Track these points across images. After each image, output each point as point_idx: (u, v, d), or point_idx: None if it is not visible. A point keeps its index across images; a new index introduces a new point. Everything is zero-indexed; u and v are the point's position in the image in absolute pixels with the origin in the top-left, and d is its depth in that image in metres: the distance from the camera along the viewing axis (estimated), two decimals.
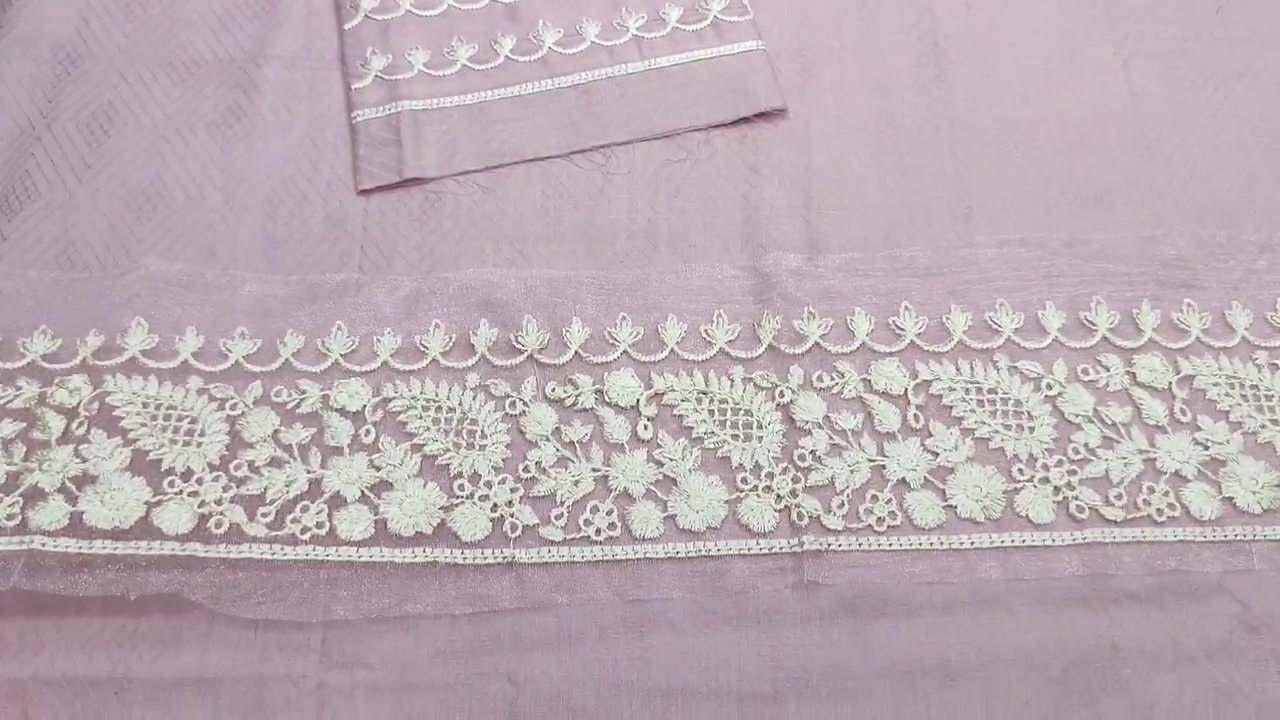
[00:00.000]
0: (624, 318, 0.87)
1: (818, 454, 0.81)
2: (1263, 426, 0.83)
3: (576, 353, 0.86)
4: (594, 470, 0.81)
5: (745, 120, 1.00)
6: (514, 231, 0.95)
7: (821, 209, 0.96)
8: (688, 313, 0.88)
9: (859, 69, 1.03)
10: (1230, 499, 0.80)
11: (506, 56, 1.02)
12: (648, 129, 0.99)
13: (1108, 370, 0.86)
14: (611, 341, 0.86)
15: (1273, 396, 0.84)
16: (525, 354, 0.86)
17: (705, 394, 0.84)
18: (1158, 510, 0.80)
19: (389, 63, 1.01)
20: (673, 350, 0.86)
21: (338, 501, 0.79)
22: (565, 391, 0.84)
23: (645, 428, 0.82)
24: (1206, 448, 0.82)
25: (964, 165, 0.98)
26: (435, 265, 0.93)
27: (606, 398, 0.84)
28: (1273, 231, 0.93)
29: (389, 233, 0.95)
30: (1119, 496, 0.80)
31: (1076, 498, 0.80)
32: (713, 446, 0.82)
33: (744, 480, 0.80)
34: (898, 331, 0.87)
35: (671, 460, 0.81)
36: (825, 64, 1.04)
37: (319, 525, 0.78)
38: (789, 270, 0.89)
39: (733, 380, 0.84)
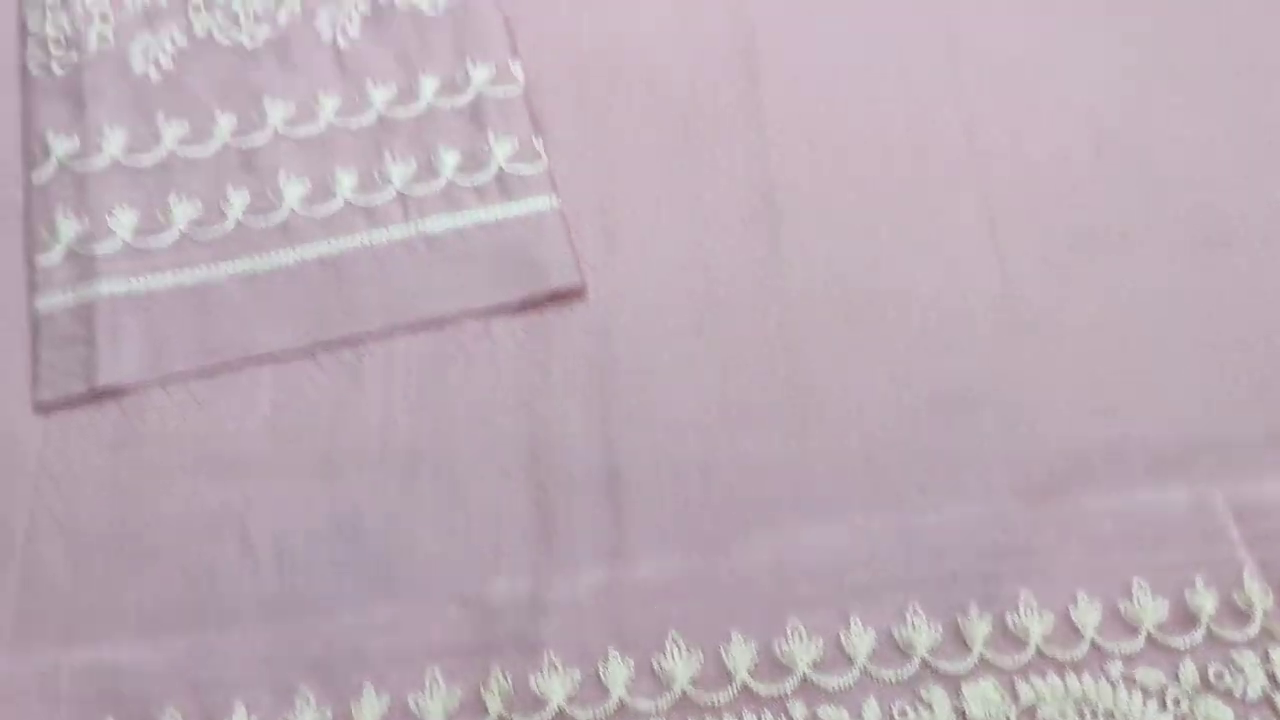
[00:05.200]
0: (305, 697, 0.70)
1: None
2: None
3: None
4: None
5: (533, 304, 0.83)
6: (234, 459, 0.79)
7: (624, 424, 0.81)
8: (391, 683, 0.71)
9: (675, 230, 0.88)
10: None
11: (238, 221, 0.84)
12: (411, 315, 0.83)
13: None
14: None
15: None
16: None
17: None
18: None
19: (84, 229, 0.83)
20: None
21: None
22: None
23: None
24: None
25: (800, 362, 0.84)
26: (129, 511, 0.74)
27: None
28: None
29: (73, 464, 0.78)
30: None
31: None
32: None
33: None
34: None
35: None
36: (634, 224, 0.89)
37: None
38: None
39: None
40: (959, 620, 0.72)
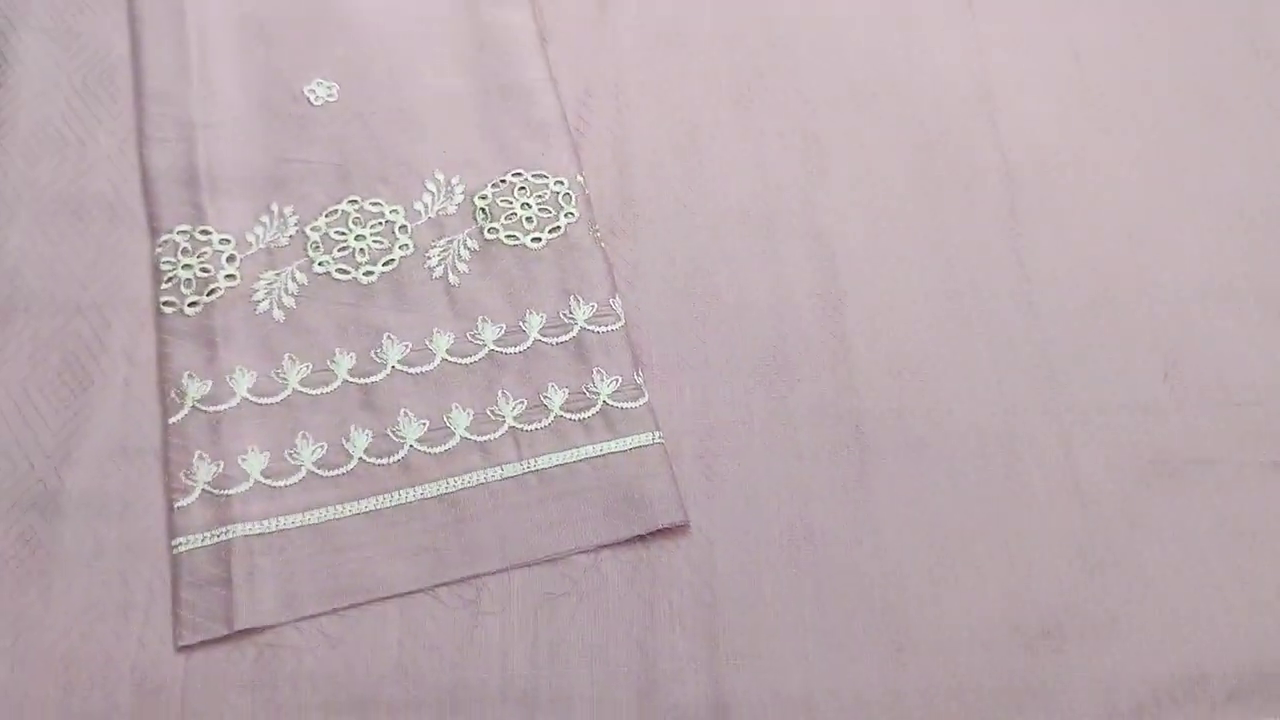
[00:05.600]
0: None
1: None
2: None
3: None
4: None
5: (639, 537, 0.88)
6: (365, 697, 0.84)
7: (730, 659, 0.86)
8: None
9: (769, 461, 0.93)
10: None
11: (360, 459, 0.90)
12: (525, 553, 0.88)
13: None
14: None
15: None
16: None
17: None
18: None
19: (219, 472, 0.89)
20: None
21: None
22: None
23: None
24: None
25: (892, 592, 0.89)
26: None
27: None
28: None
29: (214, 705, 0.82)
30: None
31: None
32: None
33: None
34: None
35: None
36: (731, 455, 0.94)
37: None
38: None
39: None
40: None
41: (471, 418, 0.92)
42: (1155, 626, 0.89)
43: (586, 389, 0.94)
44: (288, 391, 0.93)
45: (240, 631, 0.85)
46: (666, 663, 0.86)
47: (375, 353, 0.95)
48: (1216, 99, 1.14)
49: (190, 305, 0.96)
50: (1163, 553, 0.91)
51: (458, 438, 0.92)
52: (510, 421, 0.92)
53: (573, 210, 1.01)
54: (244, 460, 0.90)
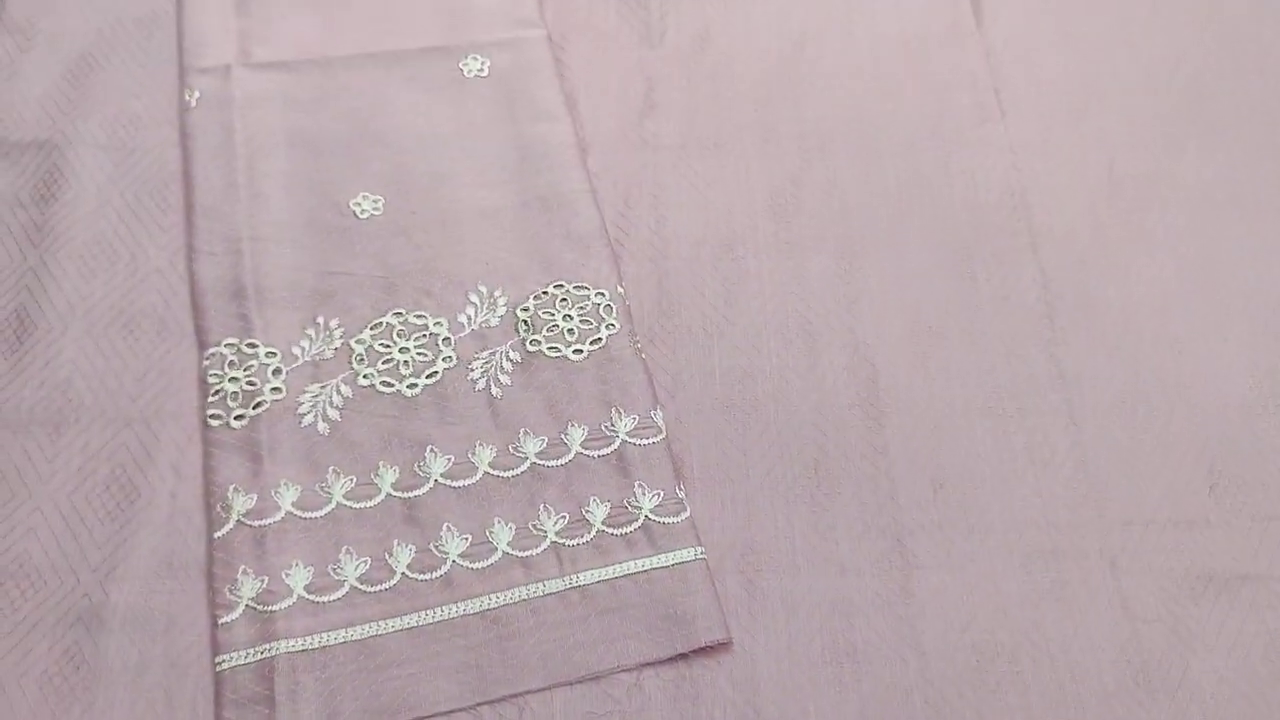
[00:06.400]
0: None
1: None
2: None
3: None
4: None
5: (682, 655, 0.88)
6: None
7: None
8: None
9: (812, 576, 0.93)
10: None
11: (403, 574, 0.91)
12: (568, 671, 0.88)
13: None
14: None
15: None
16: None
17: None
18: None
19: (263, 587, 0.90)
20: None
21: None
22: None
23: None
24: None
25: (936, 710, 0.89)
26: None
27: None
28: None
29: None
30: None
31: None
32: None
33: None
34: None
35: None
36: (774, 570, 0.94)
37: None
38: None
39: None
40: None
41: (514, 532, 0.93)
42: None
43: (628, 503, 0.94)
44: (332, 505, 0.94)
45: None
46: None
47: (419, 466, 0.96)
48: (1253, 201, 1.14)
49: (236, 418, 0.97)
50: (1212, 669, 0.90)
51: (500, 553, 0.92)
52: (552, 536, 0.93)
53: (614, 322, 1.03)
54: (288, 576, 0.91)
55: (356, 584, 0.91)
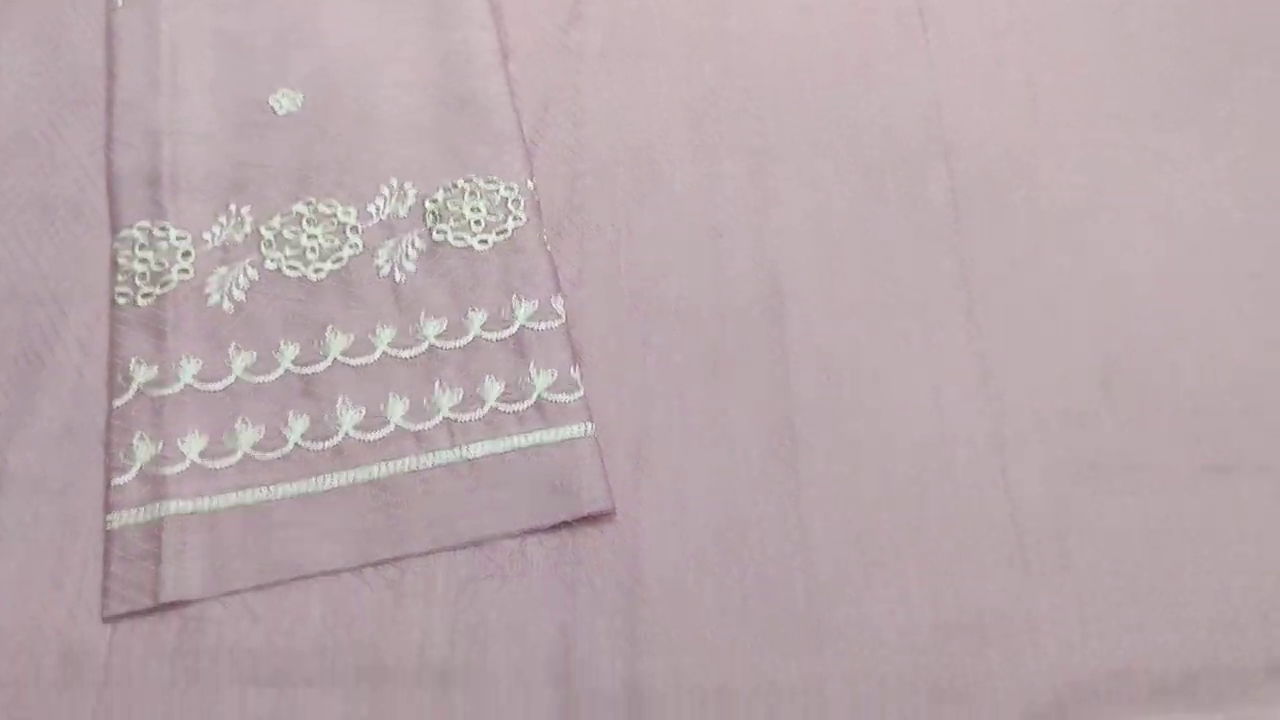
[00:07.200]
0: None
1: None
2: None
3: None
4: None
5: (566, 524, 0.90)
6: (284, 671, 0.85)
7: (649, 645, 0.87)
8: None
9: (701, 456, 0.95)
10: None
11: (296, 443, 0.93)
12: (452, 537, 0.90)
13: None
14: None
15: None
16: None
17: None
18: None
19: (158, 452, 0.92)
20: None
21: None
22: None
23: None
24: None
25: (817, 587, 0.90)
26: (186, 717, 0.81)
27: None
28: None
29: (136, 672, 0.85)
30: None
31: None
32: None
33: None
34: None
35: None
36: (663, 450, 0.96)
37: None
38: None
39: None
40: None
41: (408, 406, 0.95)
42: (1079, 627, 0.89)
43: (522, 382, 0.96)
44: (231, 379, 0.96)
45: (167, 605, 0.87)
46: (585, 644, 0.87)
47: (319, 344, 0.98)
48: (1170, 118, 1.17)
49: (143, 297, 1.00)
50: (1091, 555, 0.92)
51: (392, 425, 0.94)
52: (445, 411, 0.95)
53: (521, 215, 1.05)
54: (183, 443, 0.93)
55: (250, 451, 0.93)
